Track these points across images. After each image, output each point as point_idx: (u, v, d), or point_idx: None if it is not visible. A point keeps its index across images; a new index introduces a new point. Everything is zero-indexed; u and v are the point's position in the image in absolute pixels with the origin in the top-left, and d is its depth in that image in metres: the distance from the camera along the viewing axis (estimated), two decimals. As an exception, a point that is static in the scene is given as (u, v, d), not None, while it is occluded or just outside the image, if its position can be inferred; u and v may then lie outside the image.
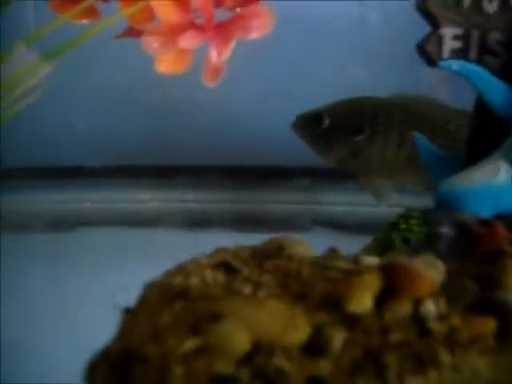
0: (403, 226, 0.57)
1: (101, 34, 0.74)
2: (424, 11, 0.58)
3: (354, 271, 0.36)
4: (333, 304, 0.35)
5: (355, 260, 0.43)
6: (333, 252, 0.46)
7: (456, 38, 0.58)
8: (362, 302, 0.35)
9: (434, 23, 0.58)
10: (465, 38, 0.58)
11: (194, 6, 0.68)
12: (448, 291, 0.38)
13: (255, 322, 0.33)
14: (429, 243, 0.56)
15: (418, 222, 0.57)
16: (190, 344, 0.32)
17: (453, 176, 0.58)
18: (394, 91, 0.83)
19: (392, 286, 0.36)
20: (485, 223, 0.55)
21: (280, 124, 0.83)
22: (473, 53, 0.58)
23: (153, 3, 0.64)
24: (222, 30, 0.69)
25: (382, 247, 0.58)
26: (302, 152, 0.83)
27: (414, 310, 0.35)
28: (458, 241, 0.55)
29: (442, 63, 0.57)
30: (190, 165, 0.91)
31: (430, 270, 0.37)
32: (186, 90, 0.89)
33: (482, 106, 0.60)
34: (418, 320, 0.35)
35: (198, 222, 0.85)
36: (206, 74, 0.70)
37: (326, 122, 0.78)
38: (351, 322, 0.34)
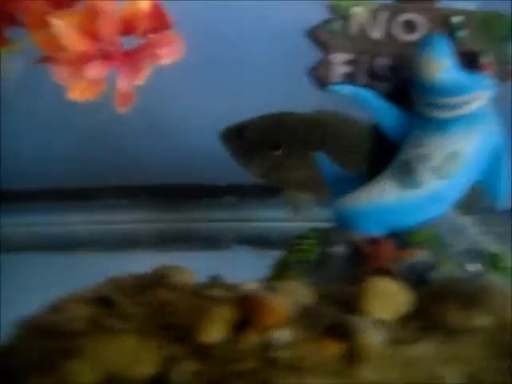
0: (299, 247, 0.59)
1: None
2: (314, 38, 0.61)
3: (209, 302, 0.38)
4: (188, 335, 0.37)
5: (233, 288, 0.45)
6: (213, 280, 0.48)
7: (345, 63, 0.61)
8: (213, 332, 0.37)
9: (324, 49, 0.61)
10: (354, 63, 0.61)
11: (102, 36, 0.69)
12: (306, 317, 0.41)
13: (105, 357, 0.34)
14: (322, 263, 0.59)
15: (314, 242, 0.59)
16: (37, 381, 0.33)
17: (345, 197, 0.60)
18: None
19: (247, 316, 0.38)
20: (374, 241, 0.57)
21: (207, 142, 0.85)
22: (362, 77, 0.61)
23: (57, 31, 0.65)
24: (131, 58, 0.70)
25: (280, 268, 0.61)
26: (230, 169, 0.85)
27: (264, 339, 0.37)
28: (350, 259, 0.58)
29: (332, 88, 0.60)
30: (119, 185, 0.92)
31: (284, 301, 0.39)
32: (113, 110, 0.90)
33: (378, 128, 0.62)
34: (267, 348, 0.37)
35: (127, 242, 0.86)
36: (116, 100, 0.72)
37: (248, 134, 0.81)
38: (202, 353, 0.36)
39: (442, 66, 0.54)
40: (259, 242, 0.86)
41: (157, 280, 0.47)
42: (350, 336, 0.37)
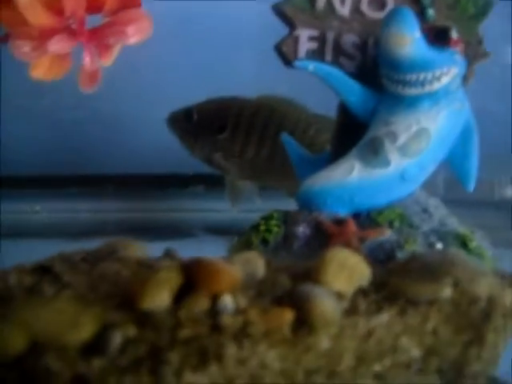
0: (263, 228, 0.57)
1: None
2: (280, 13, 0.59)
3: (152, 270, 0.36)
4: (130, 302, 0.35)
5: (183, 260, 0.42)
6: (166, 254, 0.46)
7: (311, 39, 0.59)
8: (156, 299, 0.34)
9: (291, 25, 0.59)
10: (320, 39, 0.59)
11: (67, 10, 0.67)
12: (260, 286, 0.38)
13: (36, 322, 0.32)
14: (286, 243, 0.56)
15: (277, 223, 0.57)
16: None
17: (312, 176, 0.58)
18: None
19: (193, 282, 0.36)
20: (339, 222, 0.55)
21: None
22: (328, 54, 0.59)
23: (22, 7, 0.63)
24: (96, 35, 0.68)
25: (242, 249, 0.58)
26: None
27: (211, 306, 0.35)
28: (314, 240, 0.56)
29: (297, 63, 0.58)
30: (83, 174, 0.90)
31: (232, 267, 0.36)
32: (78, 96, 0.87)
33: (344, 106, 0.60)
34: (213, 315, 0.34)
35: (91, 232, 0.84)
36: (80, 78, 0.69)
37: (195, 117, 0.80)
38: (143, 319, 0.34)
39: (409, 40, 0.53)
40: (225, 231, 0.84)
41: (106, 254, 0.44)
42: (303, 304, 0.35)
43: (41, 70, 0.68)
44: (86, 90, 0.69)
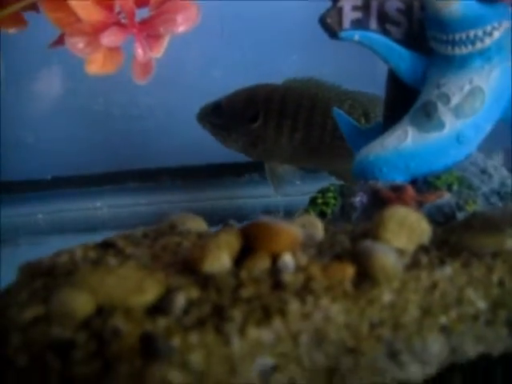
0: (320, 201, 0.57)
1: (40, 44, 0.76)
2: (322, -14, 0.59)
3: (213, 235, 0.36)
4: (192, 267, 0.35)
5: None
6: (226, 226, 0.46)
7: (355, 8, 0.58)
8: (217, 261, 0.35)
9: (334, -4, 0.59)
10: (364, 8, 0.58)
11: (117, 4, 0.68)
12: (319, 246, 0.38)
13: (102, 287, 0.33)
14: (344, 213, 0.56)
15: (334, 195, 0.57)
16: (30, 313, 0.32)
17: (366, 146, 0.58)
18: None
19: (252, 244, 0.36)
20: (396, 189, 0.55)
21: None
22: (373, 22, 0.58)
23: (73, 4, 0.65)
24: (146, 26, 0.69)
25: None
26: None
27: (271, 265, 0.35)
28: (371, 208, 0.55)
29: (343, 34, 0.58)
30: (141, 168, 0.91)
31: (292, 227, 0.37)
32: (129, 94, 0.90)
33: (393, 74, 0.60)
34: (274, 274, 0.35)
35: (152, 224, 0.85)
36: (134, 70, 0.71)
37: (225, 110, 0.81)
38: (205, 282, 0.34)
39: (456, -3, 0.52)
40: (284, 213, 0.84)
41: (167, 229, 0.45)
42: (363, 259, 0.35)
43: (96, 65, 0.70)
44: (140, 81, 0.71)
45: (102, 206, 0.89)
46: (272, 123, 0.80)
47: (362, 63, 0.67)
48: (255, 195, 0.88)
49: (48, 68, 0.90)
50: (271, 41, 0.93)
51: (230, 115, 0.81)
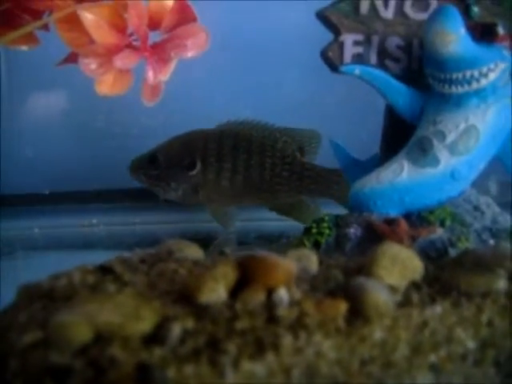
0: (314, 230, 0.58)
1: (46, 61, 0.77)
2: (325, 20, 0.60)
3: (210, 265, 0.37)
4: (188, 297, 0.36)
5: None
6: (220, 254, 0.47)
7: (356, 43, 0.60)
8: (213, 293, 0.35)
9: (335, 31, 0.60)
10: (365, 43, 0.60)
11: (131, 27, 0.70)
12: (313, 281, 0.39)
13: (100, 314, 0.33)
14: (338, 244, 0.57)
15: (329, 226, 0.57)
16: (28, 338, 0.32)
17: (362, 178, 0.59)
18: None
19: (248, 277, 0.37)
20: (390, 222, 0.56)
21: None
22: (373, 58, 0.60)
23: (87, 25, 0.66)
24: (158, 50, 0.71)
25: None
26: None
27: (266, 299, 0.36)
28: (365, 240, 0.56)
29: (344, 68, 0.59)
30: (138, 187, 0.92)
31: (287, 261, 0.37)
32: (130, 112, 0.91)
33: (391, 108, 0.61)
34: (268, 307, 0.35)
35: (147, 243, 0.86)
36: (144, 92, 0.73)
37: (161, 161, 0.82)
38: (201, 312, 0.35)
39: (454, 37, 0.53)
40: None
41: (163, 255, 0.46)
42: (356, 296, 0.36)
43: (105, 86, 0.72)
44: (149, 104, 0.73)
45: (99, 222, 0.90)
46: (211, 168, 0.81)
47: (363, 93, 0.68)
48: (251, 218, 0.88)
49: (50, 84, 0.91)
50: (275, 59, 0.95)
51: (167, 165, 0.82)
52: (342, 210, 0.62)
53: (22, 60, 0.89)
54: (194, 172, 0.81)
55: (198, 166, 0.81)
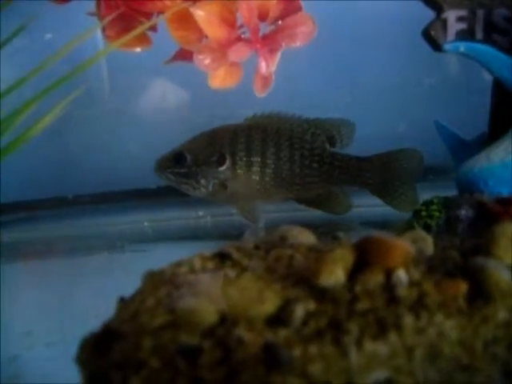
0: (424, 213, 0.57)
1: (151, 60, 0.80)
2: (426, -3, 0.59)
3: (328, 249, 0.38)
4: (307, 280, 0.37)
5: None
6: (333, 239, 0.47)
7: (460, 19, 0.58)
8: (332, 275, 0.36)
9: (437, 8, 0.59)
10: (469, 18, 0.58)
11: (240, 21, 0.72)
12: (430, 262, 0.39)
13: (224, 298, 0.35)
14: (449, 226, 0.56)
15: (438, 208, 0.57)
16: (159, 320, 0.34)
17: (470, 159, 0.57)
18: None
19: (366, 259, 0.37)
20: (503, 202, 0.54)
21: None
22: (479, 33, 0.58)
23: (200, 20, 0.69)
24: (269, 41, 0.73)
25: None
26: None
27: (385, 280, 0.36)
28: (477, 221, 0.55)
29: (447, 46, 0.58)
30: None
31: (406, 242, 0.37)
32: (232, 108, 0.93)
33: (499, 84, 0.59)
34: (388, 288, 0.35)
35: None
36: (256, 84, 0.75)
37: (188, 158, 0.81)
38: (322, 295, 0.36)
39: None
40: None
41: (277, 242, 0.47)
42: (477, 275, 0.35)
43: (218, 80, 0.75)
44: (261, 94, 0.75)
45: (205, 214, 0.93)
46: (240, 163, 0.80)
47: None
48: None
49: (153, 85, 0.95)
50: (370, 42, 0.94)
51: (195, 162, 0.82)
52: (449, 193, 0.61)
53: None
54: (223, 167, 0.81)
55: (228, 161, 0.80)
